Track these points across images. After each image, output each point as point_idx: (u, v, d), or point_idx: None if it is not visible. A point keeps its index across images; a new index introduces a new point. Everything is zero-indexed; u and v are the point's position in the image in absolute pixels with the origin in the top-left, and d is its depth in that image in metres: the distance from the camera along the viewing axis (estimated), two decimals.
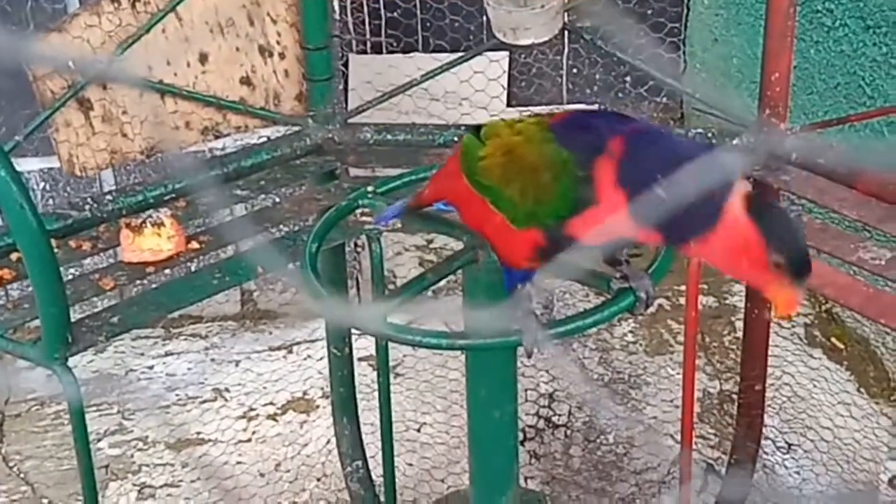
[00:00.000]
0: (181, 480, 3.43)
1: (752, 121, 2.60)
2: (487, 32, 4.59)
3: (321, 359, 3.74)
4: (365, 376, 3.40)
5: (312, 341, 4.02)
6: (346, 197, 1.93)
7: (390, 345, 2.36)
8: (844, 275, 2.30)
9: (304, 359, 3.94)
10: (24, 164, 4.03)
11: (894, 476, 3.17)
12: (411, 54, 4.87)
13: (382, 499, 2.91)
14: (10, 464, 3.53)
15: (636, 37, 4.03)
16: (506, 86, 4.88)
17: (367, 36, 4.90)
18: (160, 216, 2.27)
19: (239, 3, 2.62)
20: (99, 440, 3.56)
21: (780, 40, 2.49)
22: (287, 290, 4.24)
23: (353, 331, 2.80)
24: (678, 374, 3.59)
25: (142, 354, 4.03)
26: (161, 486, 3.41)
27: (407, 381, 3.75)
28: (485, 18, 4.51)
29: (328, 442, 3.43)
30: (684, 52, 4.95)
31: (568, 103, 5.02)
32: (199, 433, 3.62)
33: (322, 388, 3.72)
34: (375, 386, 2.44)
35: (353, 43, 4.91)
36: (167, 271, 2.27)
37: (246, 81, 2.69)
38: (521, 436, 3.34)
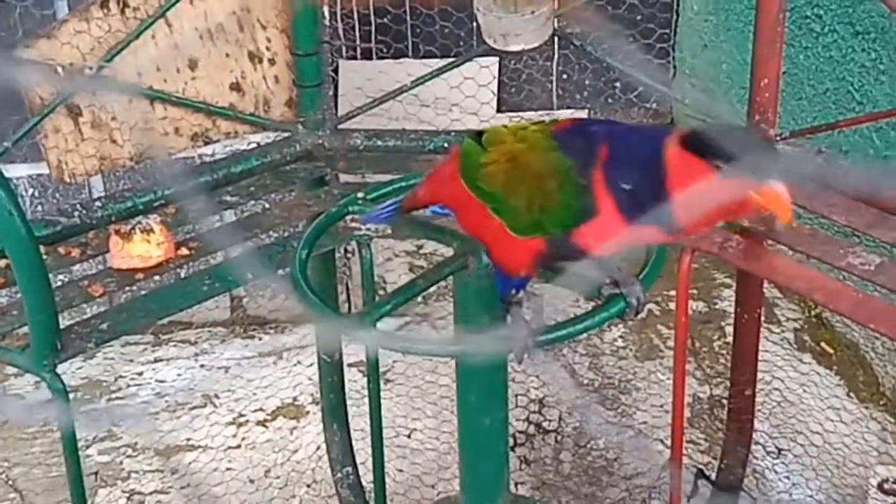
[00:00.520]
0: (170, 487, 3.42)
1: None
2: (477, 38, 4.59)
3: (311, 365, 3.73)
4: (355, 382, 3.39)
5: (302, 347, 4.01)
6: (337, 203, 1.92)
7: (380, 350, 2.36)
8: (834, 280, 2.31)
9: (294, 365, 3.93)
10: (13, 171, 4.02)
11: (884, 480, 3.17)
12: (401, 60, 4.87)
13: None
14: None
15: (626, 43, 4.04)
16: (496, 91, 4.89)
17: (357, 42, 4.89)
18: (150, 222, 2.27)
19: (229, 9, 2.62)
20: (88, 447, 3.55)
21: (769, 46, 2.49)
22: (276, 296, 4.23)
23: (343, 337, 2.80)
24: (668, 379, 3.59)
25: (131, 361, 4.02)
26: (150, 493, 3.40)
27: (397, 386, 3.75)
28: (475, 24, 4.52)
29: (318, 448, 3.42)
30: (674, 58, 4.96)
31: (557, 109, 5.03)
32: (188, 440, 3.60)
33: (312, 395, 3.71)
34: (365, 392, 2.44)
35: (343, 49, 4.91)
36: (157, 278, 2.27)
37: (236, 87, 2.69)
38: (511, 441, 3.34)
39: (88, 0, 2.48)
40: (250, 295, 4.25)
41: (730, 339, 2.96)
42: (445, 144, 2.65)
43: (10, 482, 3.47)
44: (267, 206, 2.63)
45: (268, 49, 2.69)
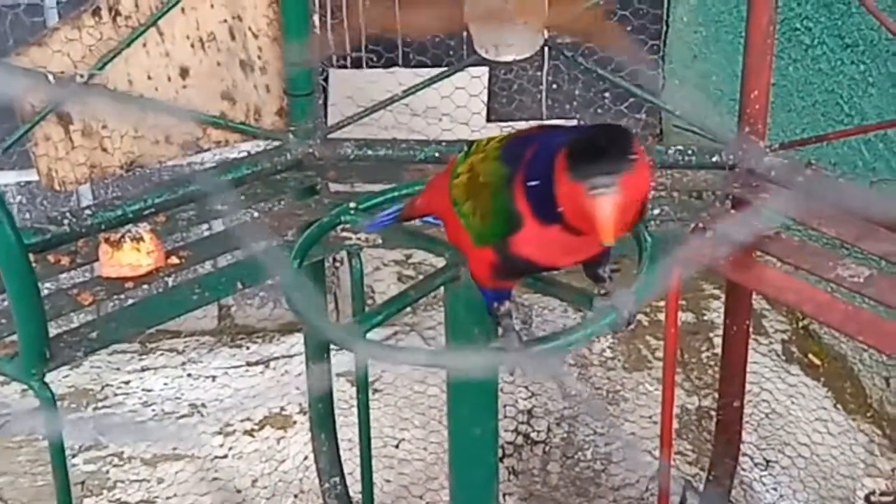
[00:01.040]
0: (157, 497, 3.40)
1: (731, 138, 2.61)
2: (468, 48, 4.60)
3: (299, 374, 3.72)
4: (343, 392, 3.39)
5: (290, 356, 4.00)
6: (329, 213, 1.92)
7: (368, 360, 2.35)
8: (823, 292, 2.32)
9: (282, 374, 3.92)
10: (3, 178, 4.01)
11: (871, 493, 3.18)
12: (392, 69, 4.87)
13: None
14: None
15: (617, 54, 4.05)
16: (486, 101, 4.89)
17: (348, 51, 4.90)
18: (139, 231, 2.26)
19: (220, 17, 2.62)
20: (74, 456, 3.53)
21: (759, 58, 2.51)
22: (264, 305, 4.23)
23: (332, 347, 2.80)
24: (656, 389, 3.59)
25: (118, 369, 4.00)
26: (137, 503, 3.38)
27: (385, 396, 3.74)
28: (466, 34, 4.52)
29: (306, 458, 3.42)
30: (663, 69, 4.97)
31: (547, 119, 5.03)
32: (175, 449, 3.59)
33: (300, 404, 3.70)
34: (353, 402, 2.43)
35: (334, 58, 4.91)
36: (146, 286, 2.26)
37: (227, 96, 2.69)
38: (499, 452, 3.33)
39: (80, 8, 2.48)
40: (238, 304, 4.24)
41: (718, 350, 2.96)
42: (436, 154, 2.65)
43: None
44: (257, 214, 2.62)
45: (259, 58, 2.68)
